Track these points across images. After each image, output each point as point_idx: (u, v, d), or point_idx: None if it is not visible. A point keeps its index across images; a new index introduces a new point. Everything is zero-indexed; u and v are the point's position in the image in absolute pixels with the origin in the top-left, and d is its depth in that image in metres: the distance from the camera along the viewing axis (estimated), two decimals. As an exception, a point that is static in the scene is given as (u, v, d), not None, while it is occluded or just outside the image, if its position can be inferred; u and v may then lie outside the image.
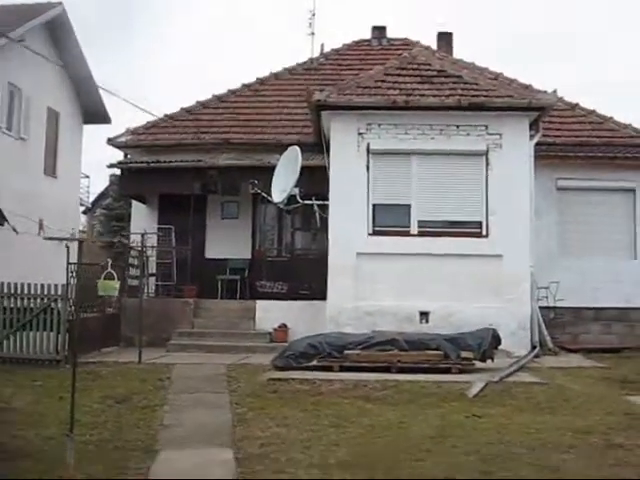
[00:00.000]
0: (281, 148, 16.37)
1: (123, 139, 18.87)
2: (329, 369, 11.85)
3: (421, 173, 14.81)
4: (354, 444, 7.85)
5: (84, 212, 44.18)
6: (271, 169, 15.69)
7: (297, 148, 15.09)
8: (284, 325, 15.93)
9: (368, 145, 14.81)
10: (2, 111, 21.73)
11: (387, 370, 11.72)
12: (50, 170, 24.75)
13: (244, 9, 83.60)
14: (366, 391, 10.57)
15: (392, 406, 9.77)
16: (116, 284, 8.78)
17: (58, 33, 24.07)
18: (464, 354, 12.07)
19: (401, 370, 11.71)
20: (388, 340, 12.19)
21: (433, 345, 12.12)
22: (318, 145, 16.42)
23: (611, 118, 18.85)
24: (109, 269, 8.49)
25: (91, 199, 39.37)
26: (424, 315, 14.48)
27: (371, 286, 14.50)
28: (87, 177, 32.03)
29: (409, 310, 14.43)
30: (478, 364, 12.16)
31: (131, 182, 17.54)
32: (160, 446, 7.85)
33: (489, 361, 12.26)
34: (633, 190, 17.14)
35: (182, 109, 19.99)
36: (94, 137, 18.55)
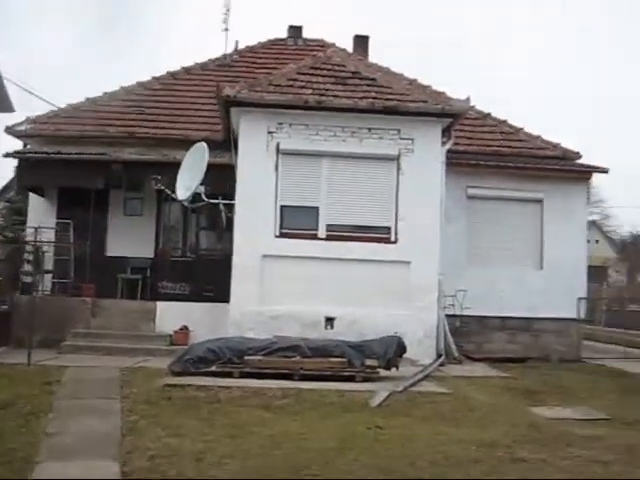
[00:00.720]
0: (189, 144, 15.76)
1: (22, 128, 17.91)
2: (229, 375, 11.37)
3: (331, 176, 14.48)
4: (250, 456, 7.44)
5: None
6: (177, 165, 15.10)
7: (204, 144, 14.55)
8: (185, 327, 15.36)
9: (278, 145, 14.40)
10: None
11: (289, 377, 11.33)
12: None
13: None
14: (266, 399, 10.15)
15: (293, 415, 9.40)
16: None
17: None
18: (369, 362, 11.78)
19: (304, 377, 11.32)
20: (291, 346, 11.80)
21: (337, 352, 11.78)
22: (227, 143, 15.91)
23: (522, 129, 18.98)
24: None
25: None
26: (330, 321, 14.15)
27: (276, 290, 14.09)
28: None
29: (314, 315, 14.08)
30: (383, 372, 11.89)
31: (29, 173, 16.59)
32: (40, 457, 7.27)
33: (394, 369, 12.00)
34: (541, 201, 17.22)
35: (87, 99, 19.16)
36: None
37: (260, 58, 22.22)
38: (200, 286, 16.13)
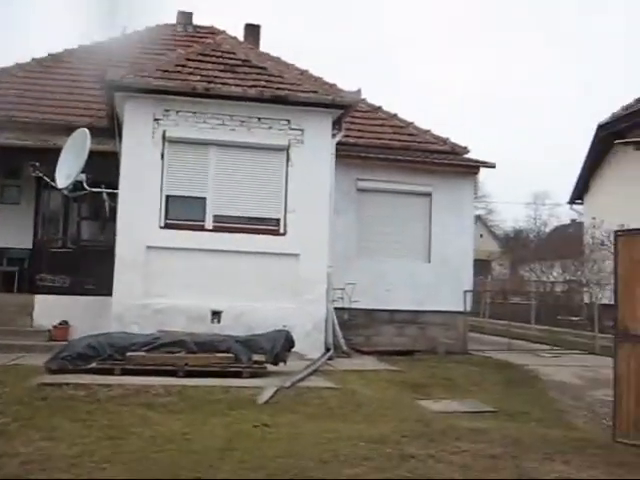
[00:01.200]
0: (71, 131, 15.07)
1: None
2: (110, 373, 10.84)
3: (219, 165, 14.08)
4: (130, 460, 7.04)
5: None
6: (58, 152, 14.41)
7: (86, 130, 13.92)
8: (65, 322, 14.70)
9: (164, 132, 13.89)
10: None
11: (174, 374, 10.89)
12: None
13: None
14: (148, 397, 9.72)
15: (176, 414, 9.03)
16: None
17: None
18: (256, 357, 11.48)
19: (189, 374, 10.92)
20: (176, 341, 11.37)
21: (223, 347, 11.44)
22: (111, 130, 15.29)
23: (412, 123, 19.04)
24: None
25: None
26: (216, 315, 13.78)
27: (161, 282, 13.61)
28: None
29: (201, 309, 13.68)
30: (271, 367, 11.61)
31: None
32: None
33: (282, 364, 11.74)
34: (429, 194, 17.33)
35: (-43, 79, 18.10)
36: None
37: (147, 43, 21.49)
38: (81, 279, 15.45)
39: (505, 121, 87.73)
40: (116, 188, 14.05)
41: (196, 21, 23.62)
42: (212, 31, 22.44)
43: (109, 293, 13.99)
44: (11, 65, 19.08)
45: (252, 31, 23.64)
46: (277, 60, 18.38)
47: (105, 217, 14.79)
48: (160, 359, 11.06)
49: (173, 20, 23.57)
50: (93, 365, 10.97)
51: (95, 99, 17.45)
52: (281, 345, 11.64)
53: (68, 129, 15.56)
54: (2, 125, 16.44)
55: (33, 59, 19.58)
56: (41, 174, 14.09)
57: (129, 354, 11.06)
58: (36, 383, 10.19)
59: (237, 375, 11.12)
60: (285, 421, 8.90)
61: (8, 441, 7.64)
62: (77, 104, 17.66)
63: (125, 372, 10.86)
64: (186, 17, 23.52)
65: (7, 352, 13.51)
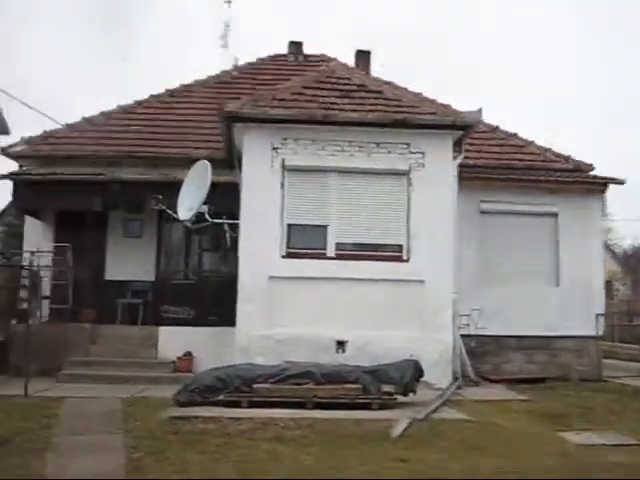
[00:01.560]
0: (190, 163, 15.22)
1: (17, 149, 17.36)
2: (237, 405, 10.69)
3: (339, 192, 13.88)
4: (265, 498, 6.79)
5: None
6: (178, 185, 14.53)
7: (206, 162, 13.98)
8: (189, 353, 14.73)
9: (283, 161, 13.81)
10: None
11: (302, 406, 10.64)
12: None
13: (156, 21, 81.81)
14: (278, 430, 9.46)
15: (307, 448, 8.72)
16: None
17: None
18: (385, 388, 11.11)
19: (317, 406, 10.65)
20: (303, 372, 11.13)
21: (351, 378, 11.12)
22: (229, 161, 15.41)
23: (532, 142, 18.44)
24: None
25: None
26: (341, 344, 13.49)
27: (284, 312, 13.44)
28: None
29: (325, 339, 13.42)
30: (400, 398, 11.21)
31: (25, 196, 16.00)
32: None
33: (411, 395, 11.33)
34: (555, 214, 16.63)
35: (84, 118, 18.62)
36: None
37: (261, 74, 21.68)
38: (204, 310, 15.49)
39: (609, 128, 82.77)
40: (236, 218, 14.05)
41: (306, 50, 23.68)
42: (323, 59, 22.42)
43: (232, 324, 13.95)
44: (130, 103, 19.54)
45: (363, 57, 23.48)
46: (391, 84, 18.13)
47: (226, 248, 14.80)
48: (288, 391, 10.84)
49: (284, 50, 23.67)
50: (221, 397, 10.85)
51: (212, 131, 17.70)
52: (410, 375, 11.25)
53: (188, 162, 15.71)
54: (124, 161, 16.80)
55: (151, 95, 20.02)
56: (164, 207, 14.23)
57: (256, 386, 10.89)
58: (166, 416, 10.13)
59: (366, 407, 10.78)
60: (422, 456, 8.47)
61: (143, 476, 7.54)
62: (195, 137, 17.89)
63: (252, 404, 10.68)
64: (296, 47, 23.61)
65: (134, 383, 13.65)
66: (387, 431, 9.48)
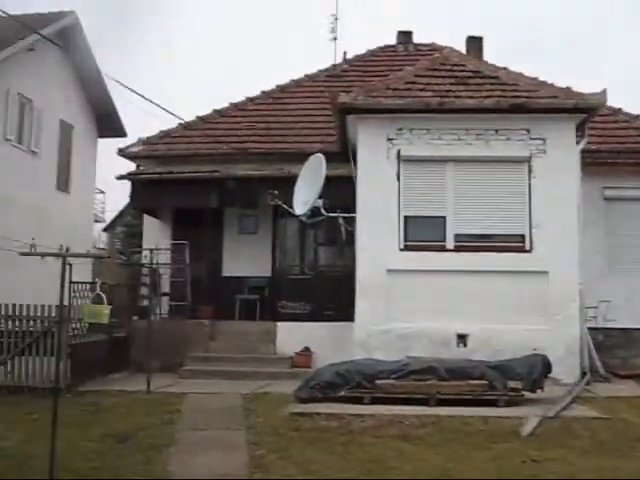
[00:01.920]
0: (303, 157, 15.07)
1: (135, 149, 17.70)
2: (359, 401, 10.49)
3: (457, 182, 13.47)
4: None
5: (105, 229, 43.54)
6: (292, 179, 14.41)
7: (321, 156, 13.81)
8: (307, 349, 14.63)
9: (398, 152, 13.51)
10: (12, 123, 20.90)
11: (425, 402, 10.35)
12: (63, 185, 24.01)
13: (261, 15, 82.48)
14: (403, 428, 9.22)
15: (434, 447, 8.44)
16: (106, 309, 7.51)
17: (71, 43, 23.18)
18: (512, 384, 10.67)
19: (441, 402, 10.33)
20: (425, 368, 10.81)
21: (476, 374, 10.73)
22: (343, 154, 15.15)
23: (659, 124, 17.45)
24: (98, 291, 7.23)
25: (109, 215, 38.74)
26: (462, 338, 13.10)
27: (403, 307, 13.14)
28: (102, 192, 31.14)
29: (445, 333, 13.06)
30: (527, 395, 10.75)
31: (143, 195, 16.27)
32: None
33: (539, 391, 10.85)
34: (689, 200, 15.69)
35: (197, 117, 18.81)
36: (112, 152, 17.98)
37: (370, 66, 21.41)
38: (321, 305, 15.36)
39: None
40: (351, 212, 13.86)
41: (415, 39, 23.21)
42: (433, 48, 21.89)
43: (348, 318, 13.81)
44: (242, 100, 19.62)
45: (474, 43, 22.78)
46: (506, 69, 17.49)
47: (342, 242, 14.61)
48: (410, 387, 10.56)
49: (393, 41, 23.28)
50: (342, 393, 10.66)
51: (324, 125, 17.57)
52: (539, 371, 10.78)
53: (301, 156, 15.55)
54: (238, 158, 16.85)
55: (262, 91, 20.04)
56: (279, 202, 14.16)
57: (378, 382, 10.65)
58: (288, 412, 10.04)
59: (492, 403, 10.38)
60: (555, 456, 8.06)
61: (266, 474, 7.43)
62: (308, 131, 17.80)
63: (374, 401, 10.46)
64: (406, 37, 23.18)
65: (253, 379, 13.66)
66: (516, 429, 9.09)
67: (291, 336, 14.94)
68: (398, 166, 13.49)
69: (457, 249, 13.35)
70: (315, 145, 16.46)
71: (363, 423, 9.43)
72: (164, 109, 14.84)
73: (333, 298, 15.04)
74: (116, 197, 63.26)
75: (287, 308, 15.36)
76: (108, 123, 25.88)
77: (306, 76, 20.87)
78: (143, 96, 13.66)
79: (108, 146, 27.80)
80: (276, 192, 14.19)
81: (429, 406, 10.25)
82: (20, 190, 20.54)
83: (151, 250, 15.46)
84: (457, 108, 13.38)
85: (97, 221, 30.66)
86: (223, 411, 10.59)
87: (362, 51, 22.57)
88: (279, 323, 15.26)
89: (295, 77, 20.83)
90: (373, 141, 13.60)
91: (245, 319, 16.43)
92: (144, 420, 9.93)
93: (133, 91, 13.60)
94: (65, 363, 12.23)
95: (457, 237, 13.39)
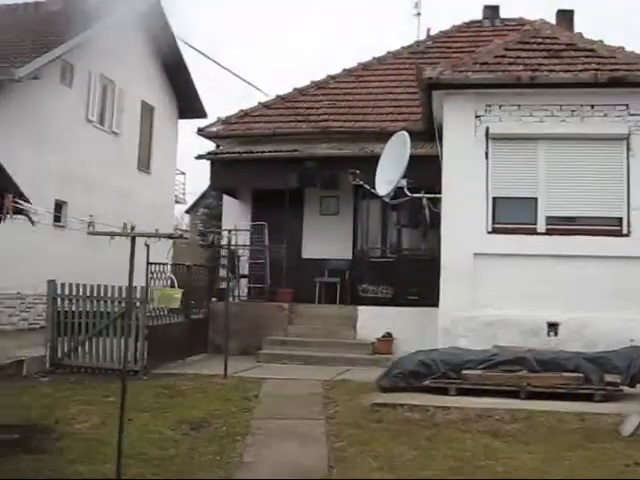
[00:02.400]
0: (385, 137, 14.54)
1: (214, 129, 17.42)
2: (444, 392, 9.91)
3: (550, 161, 12.69)
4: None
5: (187, 211, 43.81)
6: (375, 159, 13.88)
7: (405, 134, 13.24)
8: (389, 335, 14.13)
9: (487, 129, 12.80)
10: (94, 105, 21.04)
11: (515, 395, 9.71)
12: (144, 166, 24.22)
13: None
14: (492, 423, 8.63)
15: (526, 445, 7.84)
16: (177, 293, 7.16)
17: (152, 23, 23.15)
18: (609, 378, 9.93)
19: (531, 395, 9.68)
20: (515, 359, 10.15)
21: (570, 366, 10.02)
22: (427, 132, 14.56)
23: None
24: (169, 273, 6.87)
25: (190, 197, 38.93)
26: (552, 327, 12.38)
27: (490, 292, 12.47)
28: (183, 174, 31.11)
29: (535, 321, 12.37)
30: (626, 390, 9.99)
31: (221, 175, 15.99)
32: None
33: (638, 386, 10.09)
34: None
35: (277, 96, 18.44)
36: (193, 133, 17.88)
37: (455, 42, 20.58)
38: (403, 289, 14.79)
39: None
40: (435, 193, 13.27)
41: (502, 14, 22.28)
42: (521, 22, 20.88)
43: (432, 304, 13.27)
44: (323, 77, 19.15)
45: (565, 17, 21.74)
46: (602, 43, 16.55)
47: (425, 224, 14.00)
48: (499, 378, 9.92)
49: (479, 16, 22.40)
50: (426, 383, 10.11)
51: (408, 103, 17.11)
52: (638, 364, 10.00)
53: (382, 135, 15.16)
54: (319, 137, 16.41)
55: (344, 69, 19.53)
56: (361, 182, 13.64)
57: (464, 372, 10.05)
58: (369, 403, 9.54)
59: (587, 398, 9.67)
60: (661, 459, 7.37)
61: (346, 469, 6.99)
62: (389, 109, 17.28)
63: (460, 392, 9.88)
64: (492, 11, 22.25)
65: (333, 364, 13.30)
66: (616, 428, 8.40)
67: (372, 321, 14.47)
68: (487, 144, 12.79)
69: (549, 232, 12.59)
70: (398, 124, 15.90)
71: (449, 416, 8.88)
72: (249, 83, 14.47)
73: (416, 282, 14.47)
74: (197, 179, 63.65)
75: (368, 292, 14.83)
76: (188, 104, 25.90)
77: (389, 53, 20.24)
78: (230, 70, 13.24)
79: (189, 127, 27.89)
80: (358, 172, 13.68)
81: (519, 399, 9.60)
82: (102, 171, 20.63)
83: (229, 231, 15.13)
84: (550, 82, 12.59)
85: (178, 202, 30.64)
86: (302, 399, 10.18)
87: (446, 27, 21.80)
88: (360, 307, 14.79)
89: (377, 55, 20.21)
90: (460, 118, 12.93)
91: (325, 303, 16.05)
92: (220, 406, 9.61)
93: (221, 66, 13.20)
94: (142, 345, 12.08)
95: (549, 219, 12.63)
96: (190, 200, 41.28)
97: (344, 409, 9.38)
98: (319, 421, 8.89)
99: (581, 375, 9.89)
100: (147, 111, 24.45)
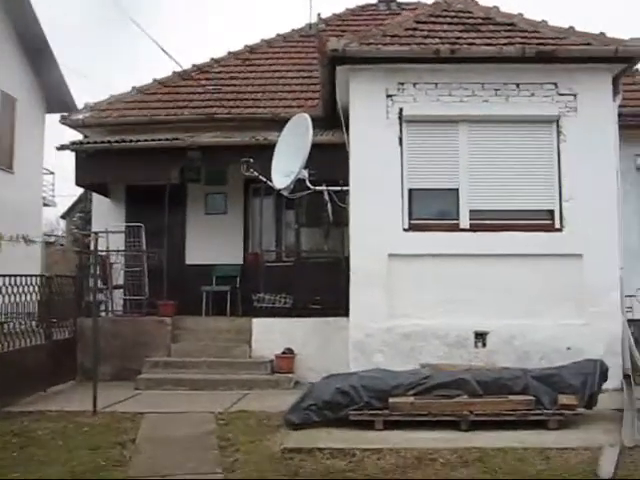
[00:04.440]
0: (279, 124, 12.71)
1: (80, 116, 15.01)
2: (369, 425, 8.06)
3: (472, 147, 11.06)
4: None
5: (63, 216, 40.71)
6: (269, 148, 11.96)
7: (306, 116, 11.36)
8: (289, 350, 12.20)
9: (401, 110, 11.04)
10: None
11: (455, 426, 7.97)
12: (5, 164, 21.46)
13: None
14: (437, 470, 6.78)
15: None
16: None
17: (14, 8, 20.67)
18: (563, 399, 8.30)
19: (475, 425, 7.97)
20: (452, 381, 8.35)
21: (517, 387, 8.34)
22: (328, 118, 12.82)
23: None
24: None
25: (68, 200, 36.38)
26: (480, 337, 10.75)
27: (409, 299, 10.74)
28: (52, 173, 28.34)
29: (460, 331, 10.72)
30: (583, 411, 8.40)
31: (88, 168, 13.50)
32: None
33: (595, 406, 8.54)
34: None
35: (155, 80, 16.18)
36: (63, 129, 15.66)
37: (349, 26, 18.81)
38: (304, 297, 12.80)
39: None
40: (338, 186, 11.47)
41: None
42: (418, 7, 19.49)
43: (337, 313, 11.79)
44: (206, 61, 17.06)
45: None
46: (523, 16, 15.05)
47: (328, 222, 12.16)
48: (435, 406, 8.11)
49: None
50: (344, 413, 8.21)
51: (302, 88, 15.64)
52: (595, 381, 8.44)
53: (275, 123, 13.42)
54: (203, 125, 14.35)
55: (229, 52, 17.50)
56: (256, 173, 11.63)
57: (392, 400, 8.19)
58: (278, 447, 7.53)
59: (541, 425, 8.03)
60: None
61: None
62: (282, 94, 15.44)
63: (389, 425, 8.05)
64: (389, -6, 20.69)
65: (226, 389, 11.37)
66: (591, 468, 6.71)
67: (269, 335, 12.51)
68: (400, 128, 11.04)
69: (473, 228, 10.93)
70: (292, 110, 13.97)
71: (382, 461, 6.98)
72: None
73: (318, 289, 12.51)
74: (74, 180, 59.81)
75: (264, 302, 12.78)
76: (57, 97, 23.33)
77: (278, 36, 18.33)
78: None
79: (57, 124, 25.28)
80: (251, 160, 11.66)
81: (461, 431, 7.89)
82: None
83: (96, 234, 12.80)
84: (473, 56, 10.93)
85: (47, 205, 27.77)
86: (191, 442, 8.08)
87: (341, 10, 20.09)
88: (255, 319, 12.76)
89: (266, 37, 18.27)
90: (369, 98, 11.13)
91: (214, 315, 13.99)
92: (86, 458, 7.40)
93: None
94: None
95: (473, 214, 10.97)
96: (67, 204, 38.65)
97: (247, 457, 7.32)
98: (216, 478, 6.83)
99: (531, 398, 8.23)
100: (8, 103, 21.82)
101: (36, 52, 22.34)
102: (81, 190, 29.67)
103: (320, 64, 11.57)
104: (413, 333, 10.68)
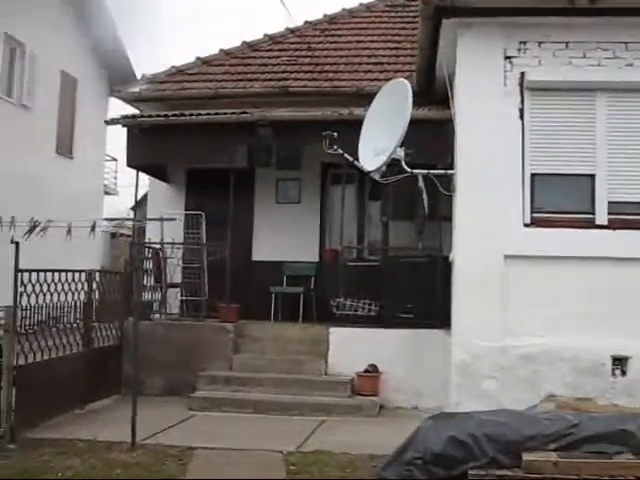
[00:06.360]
0: (364, 99, 10.73)
1: (136, 89, 13.19)
2: (499, 491, 5.91)
3: (612, 122, 8.77)
4: None
5: (133, 208, 39.50)
6: (354, 124, 9.85)
7: (405, 82, 9.23)
8: (374, 368, 10.14)
9: (522, 76, 8.81)
10: (-5, 68, 17.31)
11: (615, 495, 5.78)
12: (65, 149, 20.49)
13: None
14: None
15: None
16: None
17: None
18: None
19: (642, 495, 5.75)
20: (610, 432, 6.14)
21: (701, 441, 6.10)
22: (426, 90, 10.91)
23: None
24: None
25: (126, 191, 34.98)
26: (619, 362, 8.50)
27: (529, 312, 8.52)
28: (114, 160, 26.80)
29: (594, 354, 8.45)
30: None
31: (142, 147, 11.58)
32: None
33: None
34: None
35: (221, 50, 14.27)
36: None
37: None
38: (393, 304, 10.68)
39: None
40: (446, 170, 9.37)
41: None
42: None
43: (433, 325, 10.04)
44: (281, 30, 15.13)
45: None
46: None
47: (424, 214, 9.99)
48: (588, 468, 5.88)
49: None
50: (460, 471, 6.07)
51: (389, 60, 13.62)
52: None
53: (360, 98, 11.49)
54: (276, 99, 12.38)
55: (306, 22, 15.55)
56: (340, 150, 9.53)
57: (527, 457, 5.98)
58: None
59: None
60: None
61: None
62: (368, 67, 13.41)
63: (524, 490, 5.87)
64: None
65: (297, 414, 9.57)
66: None
67: (350, 348, 10.49)
68: (521, 98, 8.81)
69: (612, 225, 8.63)
70: (379, 83, 11.79)
71: None
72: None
73: (411, 295, 10.42)
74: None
75: (344, 308, 10.69)
76: (122, 80, 21.88)
77: (361, 5, 16.29)
78: None
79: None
80: (335, 134, 9.52)
81: (625, 505, 5.68)
82: (7, 152, 16.64)
83: (140, 221, 10.98)
84: (619, 7, 8.66)
85: (108, 193, 26.32)
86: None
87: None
88: (332, 328, 10.71)
89: (348, 6, 16.27)
90: (483, 60, 8.94)
91: (284, 320, 12.06)
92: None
93: None
94: (7, 395, 7.87)
95: (612, 207, 8.67)
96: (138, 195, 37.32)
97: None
98: None
99: None
100: (68, 83, 20.60)
101: (99, 32, 21.13)
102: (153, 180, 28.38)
103: (421, 17, 9.35)
104: (534, 354, 8.48)
